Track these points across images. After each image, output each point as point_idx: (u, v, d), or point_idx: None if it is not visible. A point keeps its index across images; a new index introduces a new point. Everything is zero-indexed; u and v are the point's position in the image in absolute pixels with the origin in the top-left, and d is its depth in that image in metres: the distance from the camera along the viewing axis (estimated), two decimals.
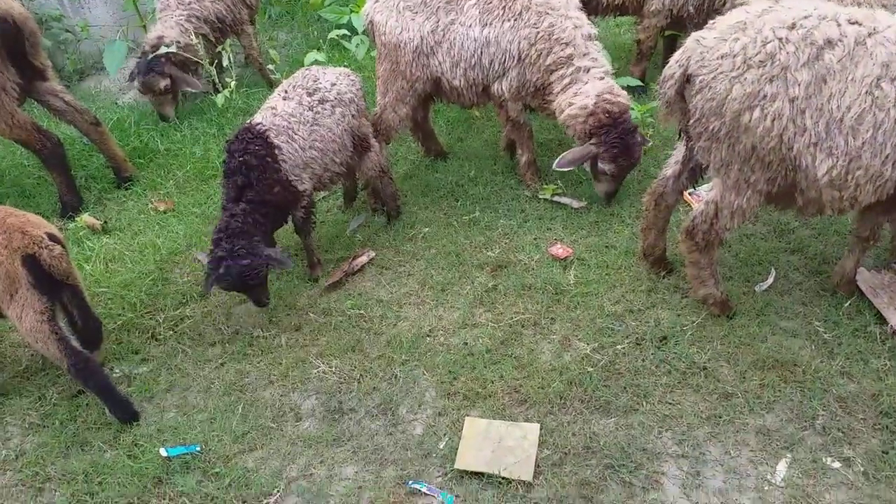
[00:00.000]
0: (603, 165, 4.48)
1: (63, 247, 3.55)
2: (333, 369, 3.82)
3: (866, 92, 2.94)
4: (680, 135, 3.74)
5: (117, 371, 3.94)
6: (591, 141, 4.42)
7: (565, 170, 4.51)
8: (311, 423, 3.57)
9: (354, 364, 3.83)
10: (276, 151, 3.99)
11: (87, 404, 3.72)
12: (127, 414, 3.60)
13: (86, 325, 3.72)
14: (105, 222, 5.14)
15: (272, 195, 4.00)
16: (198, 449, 3.43)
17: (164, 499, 3.23)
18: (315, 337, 4.04)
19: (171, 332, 4.17)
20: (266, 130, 4.00)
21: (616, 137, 4.34)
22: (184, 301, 4.38)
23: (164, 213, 5.21)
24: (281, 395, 3.72)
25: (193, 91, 6.19)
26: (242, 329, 4.15)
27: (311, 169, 4.18)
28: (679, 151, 3.81)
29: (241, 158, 3.94)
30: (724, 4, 5.26)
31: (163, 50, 5.86)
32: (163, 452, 3.41)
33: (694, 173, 3.82)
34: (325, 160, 4.25)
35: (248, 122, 4.10)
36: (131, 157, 5.76)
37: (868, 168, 3.04)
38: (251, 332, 4.11)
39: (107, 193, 5.57)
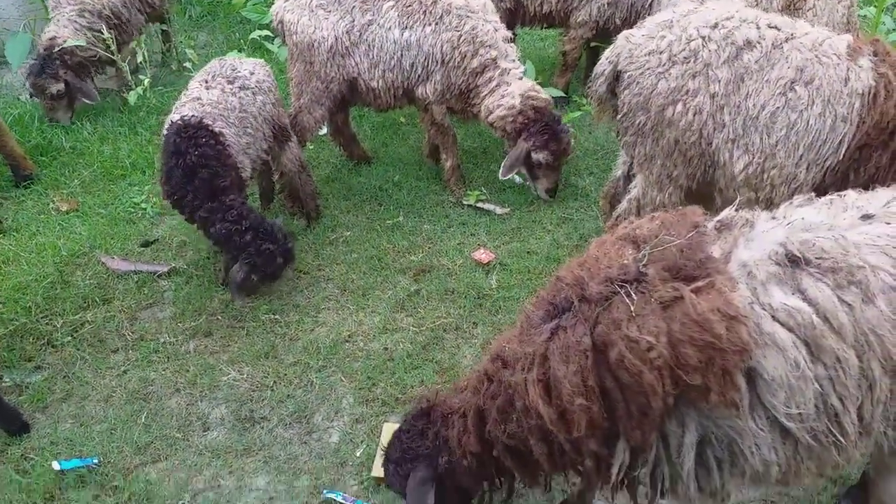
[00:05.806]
0: (537, 156, 4.56)
1: None
2: (245, 376, 3.65)
3: (780, 93, 3.08)
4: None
5: (7, 380, 3.66)
6: (522, 137, 4.51)
7: (509, 176, 4.64)
8: (219, 432, 3.39)
9: (268, 371, 3.67)
10: (221, 138, 3.85)
11: None
12: (14, 425, 3.34)
13: None
14: (0, 223, 4.78)
15: (233, 180, 3.88)
16: (95, 462, 3.21)
17: None
18: (226, 343, 3.86)
19: (70, 338, 3.89)
20: (202, 119, 3.83)
21: (544, 126, 4.51)
22: (84, 305, 4.10)
23: (67, 213, 4.89)
24: (188, 404, 3.53)
25: (89, 102, 5.71)
26: (148, 334, 3.92)
27: (247, 155, 4.06)
28: None
29: (196, 153, 3.74)
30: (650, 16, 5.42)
31: (57, 48, 5.49)
32: (55, 466, 3.17)
33: None
34: (255, 147, 4.14)
35: (178, 119, 3.84)
36: (32, 154, 5.40)
37: (782, 168, 3.17)
38: (157, 338, 3.89)
39: (3, 192, 5.18)
